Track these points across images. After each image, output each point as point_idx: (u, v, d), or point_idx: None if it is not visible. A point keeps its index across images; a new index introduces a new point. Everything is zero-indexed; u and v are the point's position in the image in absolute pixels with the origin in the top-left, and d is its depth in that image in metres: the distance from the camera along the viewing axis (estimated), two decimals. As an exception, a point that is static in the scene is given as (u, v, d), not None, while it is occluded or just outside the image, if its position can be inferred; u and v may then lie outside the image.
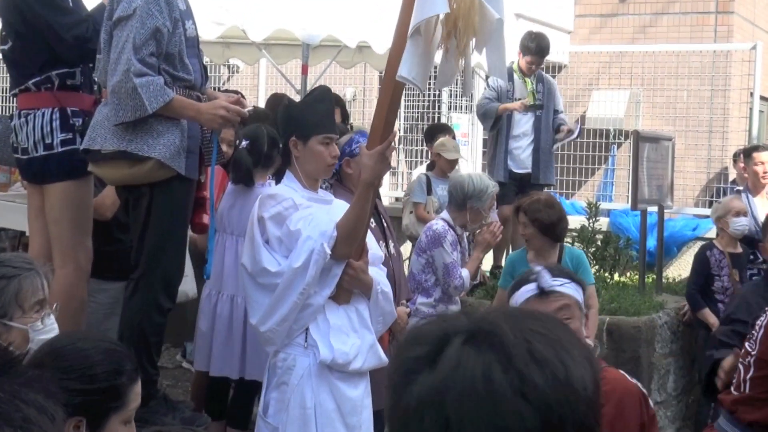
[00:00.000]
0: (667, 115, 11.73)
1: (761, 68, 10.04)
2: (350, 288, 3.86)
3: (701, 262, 7.00)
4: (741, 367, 3.72)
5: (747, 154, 7.78)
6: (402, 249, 5.95)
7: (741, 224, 6.90)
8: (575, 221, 8.38)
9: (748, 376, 3.65)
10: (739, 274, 6.90)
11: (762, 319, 3.74)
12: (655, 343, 6.84)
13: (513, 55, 7.96)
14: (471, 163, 11.03)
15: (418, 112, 12.65)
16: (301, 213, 3.80)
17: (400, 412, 1.25)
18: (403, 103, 11.03)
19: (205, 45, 5.04)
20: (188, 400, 5.32)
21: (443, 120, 11.76)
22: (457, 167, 8.03)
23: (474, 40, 3.78)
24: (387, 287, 3.99)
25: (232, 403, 5.27)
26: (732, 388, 3.85)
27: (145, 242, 4.30)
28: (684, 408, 7.23)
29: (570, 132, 8.26)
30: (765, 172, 7.37)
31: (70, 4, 4.64)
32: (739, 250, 6.99)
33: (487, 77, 8.13)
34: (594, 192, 11.34)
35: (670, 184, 8.30)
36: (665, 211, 8.09)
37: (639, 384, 3.13)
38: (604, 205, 9.42)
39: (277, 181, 5.11)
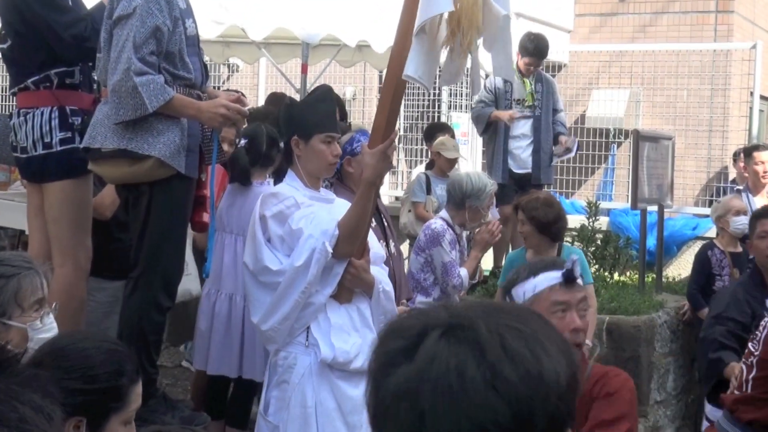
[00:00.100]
0: (667, 115, 11.72)
1: (761, 67, 10.04)
2: (352, 287, 3.86)
3: (702, 262, 7.00)
4: (744, 366, 3.72)
5: (747, 153, 7.78)
6: (401, 248, 5.94)
7: (741, 223, 6.89)
8: (575, 220, 8.37)
9: (751, 376, 3.65)
10: (740, 273, 6.89)
11: (766, 320, 3.75)
12: (654, 343, 6.83)
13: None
14: (471, 163, 11.03)
15: (418, 111, 12.65)
16: (303, 212, 3.80)
17: (378, 404, 1.28)
18: (403, 102, 11.03)
19: (205, 44, 5.04)
20: (188, 399, 5.32)
21: (443, 119, 11.75)
22: (456, 166, 8.03)
23: (482, 38, 3.77)
24: (389, 286, 3.99)
25: (231, 402, 5.27)
26: (734, 388, 3.86)
27: (144, 241, 4.30)
28: (684, 407, 7.22)
29: (567, 150, 8.28)
30: (765, 172, 7.37)
31: (69, 3, 4.64)
32: (740, 249, 6.98)
33: (486, 76, 8.11)
34: (594, 191, 11.34)
35: (670, 183, 8.30)
36: (665, 210, 8.08)
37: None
38: (603, 205, 9.41)
39: (276, 181, 5.12)
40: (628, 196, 9.00)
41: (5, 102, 12.19)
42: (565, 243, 5.93)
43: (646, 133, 8.15)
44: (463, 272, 5.81)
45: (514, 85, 8.05)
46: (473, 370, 1.21)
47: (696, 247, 8.12)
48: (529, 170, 8.10)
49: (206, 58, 5.24)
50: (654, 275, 7.93)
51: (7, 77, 5.09)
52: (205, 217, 4.61)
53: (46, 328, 2.91)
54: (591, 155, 11.08)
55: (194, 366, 5.61)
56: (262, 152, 5.22)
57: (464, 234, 6.20)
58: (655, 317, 6.90)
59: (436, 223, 5.93)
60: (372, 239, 4.02)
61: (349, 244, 3.75)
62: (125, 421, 2.48)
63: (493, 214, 6.31)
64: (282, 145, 5.01)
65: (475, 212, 5.93)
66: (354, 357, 3.76)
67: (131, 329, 4.29)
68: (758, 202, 7.25)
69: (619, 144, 12.16)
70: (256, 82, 13.20)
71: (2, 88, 12.27)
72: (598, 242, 8.02)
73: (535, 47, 8.03)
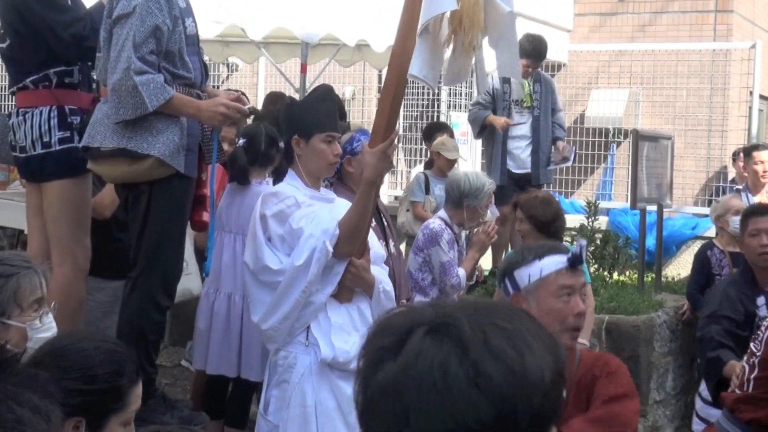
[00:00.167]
0: (667, 114, 11.72)
1: (760, 67, 10.04)
2: (352, 286, 3.86)
3: (702, 262, 6.99)
4: (746, 366, 3.73)
5: (747, 153, 7.78)
6: (400, 247, 5.94)
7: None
8: (574, 220, 8.37)
9: (752, 376, 3.66)
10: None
11: None
12: (654, 342, 6.83)
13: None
14: (470, 163, 11.03)
15: (417, 111, 12.65)
16: (304, 211, 3.80)
17: (365, 400, 1.28)
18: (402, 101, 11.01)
19: (204, 43, 5.04)
20: (187, 399, 5.31)
21: (442, 119, 11.75)
22: (456, 166, 8.03)
23: (487, 36, 3.77)
24: (389, 286, 3.99)
25: (230, 402, 5.26)
26: (735, 387, 3.86)
27: (143, 240, 4.29)
28: (683, 407, 7.22)
29: (564, 159, 8.29)
30: (765, 171, 7.37)
31: (69, 2, 4.63)
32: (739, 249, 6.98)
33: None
34: (593, 191, 11.34)
35: (670, 183, 8.29)
36: (664, 210, 8.08)
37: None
38: (603, 204, 9.41)
39: (276, 180, 5.12)
40: (627, 195, 9.00)
41: (4, 101, 12.18)
42: (564, 243, 5.92)
43: (645, 133, 8.15)
44: (461, 272, 5.81)
45: (513, 86, 8.05)
46: (456, 368, 1.22)
47: (695, 246, 8.12)
48: (529, 170, 8.11)
49: (205, 58, 5.24)
50: (653, 275, 7.93)
51: (6, 77, 5.08)
52: (205, 217, 4.60)
53: (45, 328, 2.91)
54: (590, 155, 11.08)
55: (194, 365, 5.61)
56: (261, 151, 5.22)
57: (463, 234, 6.19)
58: (655, 317, 6.90)
59: (435, 222, 5.93)
60: (372, 239, 4.02)
61: (349, 243, 3.74)
62: (125, 422, 2.47)
63: (493, 212, 6.30)
64: (281, 144, 5.02)
65: (473, 212, 5.93)
66: (354, 357, 3.75)
67: (130, 329, 4.29)
68: (757, 201, 7.25)
69: (619, 144, 12.16)
70: (256, 82, 13.20)
71: (1, 88, 12.26)
72: (598, 242, 8.02)
73: (534, 48, 8.02)
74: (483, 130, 8.19)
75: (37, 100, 4.61)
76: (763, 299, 4.97)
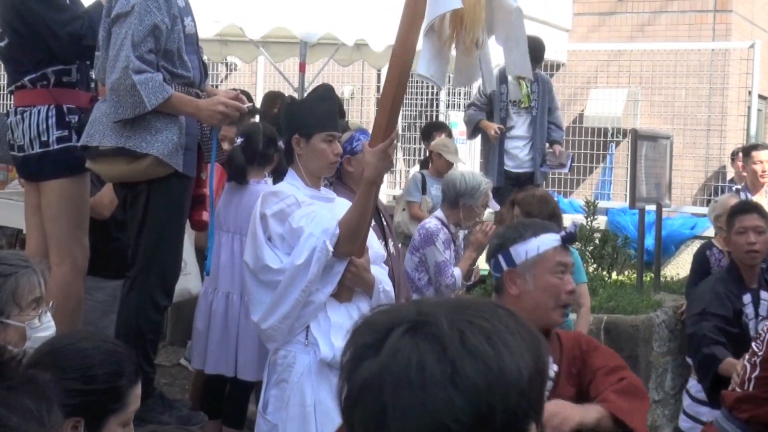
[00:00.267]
0: (665, 114, 11.72)
1: (759, 67, 10.05)
2: (352, 286, 3.85)
3: (701, 262, 6.99)
4: (747, 365, 3.74)
5: (746, 153, 7.78)
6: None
7: (739, 223, 6.88)
8: (573, 220, 8.36)
9: (753, 375, 3.67)
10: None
11: None
12: (652, 342, 6.83)
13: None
14: (469, 162, 11.03)
15: (416, 111, 12.65)
16: (304, 210, 3.80)
17: (347, 396, 1.30)
18: (401, 101, 11.01)
19: (203, 42, 5.03)
20: (185, 399, 5.31)
21: (441, 118, 11.75)
22: (455, 166, 8.02)
23: (494, 35, 3.76)
24: (389, 286, 3.99)
25: (227, 402, 5.26)
26: (735, 386, 3.87)
27: (141, 240, 4.29)
28: (681, 407, 7.22)
29: (561, 165, 8.29)
30: (764, 171, 7.37)
31: (67, 1, 4.63)
32: (738, 249, 6.98)
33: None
34: (592, 190, 11.35)
35: (668, 182, 8.30)
36: (663, 209, 8.08)
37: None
38: (602, 204, 9.41)
39: (276, 180, 5.12)
40: (626, 195, 8.99)
41: (3, 100, 12.18)
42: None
43: (644, 133, 8.15)
44: (457, 272, 5.80)
45: (510, 86, 8.05)
46: (433, 366, 1.23)
47: (694, 246, 8.12)
48: (527, 169, 8.11)
49: (204, 57, 5.24)
50: (652, 274, 7.93)
51: (5, 75, 5.08)
52: (205, 216, 4.60)
53: (44, 327, 2.91)
54: (589, 154, 11.09)
55: (192, 365, 5.61)
56: (258, 151, 5.22)
57: (461, 233, 6.19)
58: (653, 317, 6.90)
59: (431, 222, 5.92)
60: (372, 239, 4.02)
61: (349, 243, 3.74)
62: (123, 423, 2.47)
63: (493, 206, 6.29)
64: (280, 143, 5.01)
65: (469, 211, 5.91)
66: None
67: (128, 328, 4.29)
68: (756, 201, 7.25)
69: (617, 143, 12.16)
70: (254, 81, 13.20)
71: (0, 87, 12.26)
72: (596, 241, 8.02)
73: (531, 50, 7.97)
74: (476, 131, 8.20)
75: (35, 99, 4.61)
76: (749, 297, 4.99)
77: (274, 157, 5.24)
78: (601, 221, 8.64)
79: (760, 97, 11.38)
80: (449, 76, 4.80)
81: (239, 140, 5.28)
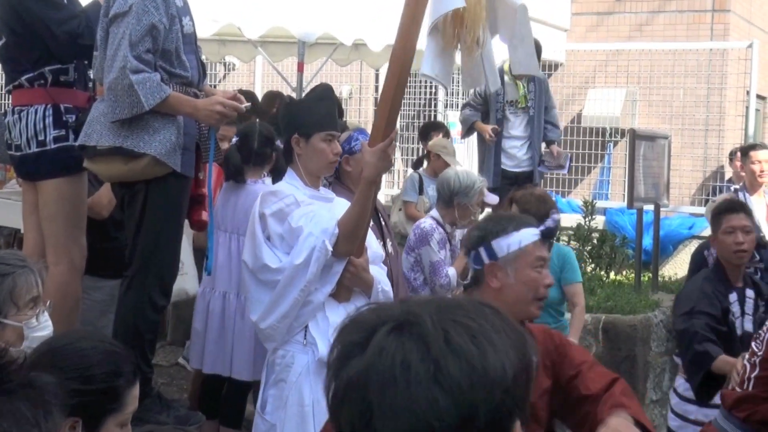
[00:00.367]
0: (664, 114, 11.74)
1: (757, 66, 10.06)
2: (351, 286, 3.85)
3: (698, 262, 6.97)
4: (747, 365, 3.74)
5: (744, 152, 7.77)
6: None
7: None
8: (571, 219, 8.38)
9: (753, 375, 3.67)
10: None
11: None
12: (650, 342, 6.84)
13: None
14: (468, 162, 11.03)
15: (414, 110, 12.65)
16: (303, 210, 3.80)
17: (334, 394, 1.31)
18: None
19: (201, 42, 5.02)
20: (183, 399, 5.30)
21: (439, 118, 11.75)
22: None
23: (498, 34, 3.75)
24: (387, 286, 3.99)
25: (224, 401, 5.25)
26: (735, 385, 3.87)
27: (139, 239, 4.28)
28: (680, 406, 7.22)
29: (560, 166, 8.30)
30: (762, 171, 7.36)
31: (65, 0, 4.63)
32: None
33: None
34: (590, 190, 11.36)
35: (666, 182, 8.30)
36: (661, 209, 8.09)
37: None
38: (600, 204, 9.43)
39: (274, 179, 5.11)
40: (624, 195, 9.01)
41: (1, 100, 12.16)
42: (560, 243, 5.92)
43: (642, 132, 8.16)
44: (452, 271, 5.78)
45: (507, 87, 8.04)
46: (417, 365, 1.24)
47: (692, 246, 8.12)
48: (526, 169, 8.11)
49: (203, 57, 5.23)
50: (650, 274, 7.94)
51: (2, 75, 5.07)
52: (204, 216, 4.60)
53: (41, 327, 2.90)
54: (587, 154, 11.10)
55: (191, 365, 5.60)
56: (254, 150, 5.21)
57: (457, 232, 6.17)
58: (651, 316, 6.91)
59: (426, 222, 5.91)
60: (371, 239, 4.02)
61: (349, 242, 3.74)
62: (121, 424, 2.46)
63: (492, 200, 6.28)
64: (278, 143, 5.01)
65: (464, 209, 5.90)
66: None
67: (126, 328, 4.28)
68: (755, 201, 7.25)
69: (616, 143, 12.17)
70: (252, 81, 13.19)
71: (-1, 87, 12.24)
72: (595, 241, 8.03)
73: None
74: (471, 131, 8.21)
75: (32, 99, 4.60)
76: (735, 295, 4.99)
77: (271, 156, 5.23)
78: (599, 221, 8.65)
79: (758, 96, 11.39)
80: (455, 77, 4.79)
81: (234, 139, 5.28)
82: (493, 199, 6.29)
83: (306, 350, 3.76)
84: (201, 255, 5.58)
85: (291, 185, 3.95)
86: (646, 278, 7.92)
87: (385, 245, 4.62)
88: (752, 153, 7.50)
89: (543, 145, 8.30)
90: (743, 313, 4.96)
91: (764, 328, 3.75)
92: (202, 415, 4.76)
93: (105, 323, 5.05)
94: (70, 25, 4.51)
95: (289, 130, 4.01)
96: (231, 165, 5.18)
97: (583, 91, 12.62)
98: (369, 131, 4.13)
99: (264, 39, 8.33)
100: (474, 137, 8.71)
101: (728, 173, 10.95)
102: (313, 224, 3.74)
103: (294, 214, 3.78)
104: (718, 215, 5.12)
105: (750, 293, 5.02)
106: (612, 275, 7.99)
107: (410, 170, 10.96)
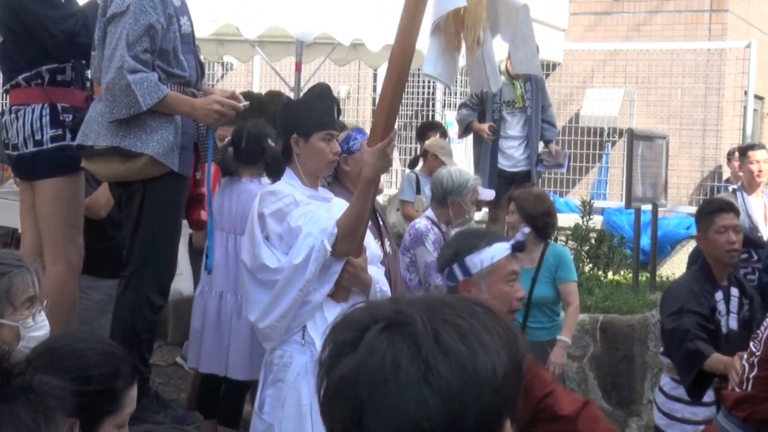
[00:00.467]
0: (662, 114, 11.74)
1: (755, 66, 10.07)
2: (349, 286, 3.85)
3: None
4: (746, 365, 3.75)
5: (742, 152, 7.78)
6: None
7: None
8: (569, 219, 8.38)
9: (752, 375, 3.68)
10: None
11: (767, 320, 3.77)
12: (648, 342, 6.83)
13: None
14: (465, 161, 11.03)
15: (412, 110, 12.65)
16: (302, 210, 3.79)
17: (325, 392, 1.31)
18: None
19: (199, 42, 5.02)
20: (181, 398, 5.30)
21: (437, 118, 11.75)
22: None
23: (499, 33, 3.75)
24: (386, 286, 3.98)
25: (222, 401, 5.25)
26: (734, 385, 3.88)
27: (137, 239, 4.28)
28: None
29: (558, 165, 8.30)
30: (760, 171, 7.37)
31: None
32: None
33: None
34: (588, 190, 11.36)
35: (664, 182, 8.31)
36: (659, 209, 8.09)
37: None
38: (598, 204, 9.43)
39: (267, 176, 5.09)
40: (622, 195, 9.01)
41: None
42: (558, 242, 5.93)
43: (640, 132, 8.16)
44: (446, 272, 5.78)
45: (504, 87, 8.04)
46: (407, 365, 1.24)
47: (690, 246, 8.12)
48: (523, 168, 8.11)
49: (201, 56, 5.23)
50: (648, 274, 7.94)
51: (0, 74, 5.07)
52: (203, 215, 4.60)
53: (38, 327, 2.90)
54: (585, 154, 11.10)
55: (188, 364, 5.60)
56: (243, 149, 5.20)
57: (452, 232, 6.16)
58: (649, 316, 6.91)
59: (421, 222, 5.90)
60: (369, 239, 4.02)
61: (347, 242, 3.74)
62: (119, 425, 2.45)
63: (488, 195, 6.28)
64: (269, 141, 5.00)
65: (458, 208, 5.89)
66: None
67: (124, 328, 4.28)
68: (753, 201, 7.26)
69: (614, 143, 12.17)
70: (251, 81, 13.19)
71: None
72: (592, 241, 8.03)
73: None
74: (467, 130, 8.22)
75: (29, 98, 4.60)
76: (721, 294, 5.00)
77: (260, 155, 5.18)
78: (597, 221, 8.66)
79: (756, 96, 11.39)
80: (459, 79, 4.79)
81: (227, 139, 5.28)
82: (488, 195, 6.29)
83: (304, 350, 3.76)
84: (196, 255, 5.58)
85: (290, 185, 3.94)
86: (644, 278, 7.92)
87: (383, 245, 4.61)
88: (750, 153, 7.50)
89: (541, 144, 8.31)
90: (728, 311, 4.98)
91: (762, 328, 3.75)
92: (200, 415, 4.76)
93: (102, 323, 5.05)
94: (67, 24, 4.51)
95: (287, 130, 4.00)
96: (224, 161, 5.20)
97: (581, 91, 12.62)
98: (367, 131, 4.12)
99: (262, 39, 8.33)
100: (471, 136, 8.72)
101: (726, 173, 10.95)
102: (312, 224, 3.74)
103: (293, 214, 3.78)
104: (709, 214, 5.12)
105: (735, 291, 5.04)
106: (610, 275, 8.00)
107: (407, 170, 10.97)
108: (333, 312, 3.78)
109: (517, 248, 3.26)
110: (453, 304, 1.34)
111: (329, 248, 3.68)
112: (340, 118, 6.65)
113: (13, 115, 4.61)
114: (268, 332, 3.80)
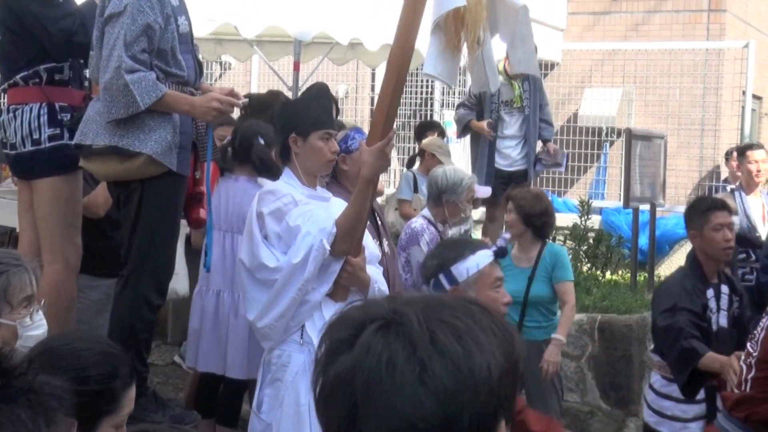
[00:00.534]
0: (660, 113, 11.74)
1: (754, 66, 10.07)
2: (348, 285, 3.84)
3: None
4: (744, 366, 3.75)
5: (741, 152, 7.78)
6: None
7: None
8: (567, 219, 8.39)
9: (750, 376, 3.68)
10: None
11: (764, 321, 3.77)
12: (646, 342, 6.83)
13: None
14: (463, 161, 11.03)
15: (410, 110, 12.65)
16: (301, 209, 3.79)
17: (321, 391, 1.31)
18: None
19: (197, 41, 5.02)
20: (179, 398, 5.30)
21: (435, 117, 11.75)
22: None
23: (498, 33, 3.75)
24: (384, 286, 3.98)
25: (221, 401, 5.25)
26: (733, 386, 3.88)
27: (135, 238, 4.28)
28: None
29: (557, 164, 8.30)
30: (758, 171, 7.38)
31: (61, -1, 4.63)
32: (732, 248, 6.98)
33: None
34: (586, 190, 11.36)
35: (662, 182, 8.31)
36: (657, 209, 8.10)
37: None
38: (596, 203, 9.43)
39: (258, 175, 5.08)
40: (620, 194, 9.01)
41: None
42: (556, 242, 5.93)
43: (638, 132, 8.17)
44: (440, 272, 5.77)
45: (502, 87, 8.03)
46: (403, 365, 1.24)
47: (688, 246, 8.08)
48: (520, 167, 8.11)
49: (200, 56, 5.23)
50: (646, 274, 7.94)
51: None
52: (202, 214, 4.60)
53: (36, 326, 2.90)
54: (583, 154, 11.10)
55: (186, 363, 5.60)
56: (234, 148, 5.19)
57: (449, 231, 6.16)
58: (647, 316, 6.90)
59: (417, 222, 5.88)
60: (367, 238, 4.01)
61: (346, 241, 3.73)
62: (117, 425, 2.45)
63: (484, 193, 6.28)
64: (259, 139, 5.00)
65: (454, 207, 5.88)
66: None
67: (122, 327, 4.28)
68: (751, 201, 7.26)
69: (612, 143, 12.17)
70: (249, 80, 13.18)
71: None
72: (590, 241, 8.04)
73: None
74: (466, 130, 8.21)
75: (27, 97, 4.59)
76: (712, 291, 5.01)
77: (250, 155, 5.15)
78: (595, 221, 8.66)
79: (754, 96, 11.41)
80: (458, 78, 4.79)
81: (228, 138, 5.29)
82: (484, 192, 6.29)
83: (302, 350, 3.75)
84: (193, 254, 5.58)
85: (288, 184, 3.94)
86: (642, 278, 7.92)
87: (381, 245, 4.61)
88: (749, 153, 7.51)
89: (539, 144, 8.31)
90: (719, 308, 4.99)
91: (759, 329, 3.75)
92: (198, 415, 4.75)
93: (101, 322, 5.04)
94: (64, 23, 4.50)
95: (285, 129, 4.00)
96: (223, 161, 5.21)
97: (579, 91, 12.62)
98: (365, 130, 4.12)
99: (260, 38, 8.33)
100: (468, 137, 8.71)
101: (724, 173, 10.95)
102: (310, 223, 3.73)
103: (292, 213, 3.77)
104: (704, 212, 5.11)
105: (725, 289, 5.05)
106: (608, 275, 8.00)
107: (405, 169, 10.97)
108: (331, 311, 3.78)
109: (500, 254, 3.30)
110: (449, 304, 1.33)
111: (328, 248, 3.68)
112: (339, 118, 6.67)
113: (10, 114, 4.61)
114: (266, 332, 3.80)
